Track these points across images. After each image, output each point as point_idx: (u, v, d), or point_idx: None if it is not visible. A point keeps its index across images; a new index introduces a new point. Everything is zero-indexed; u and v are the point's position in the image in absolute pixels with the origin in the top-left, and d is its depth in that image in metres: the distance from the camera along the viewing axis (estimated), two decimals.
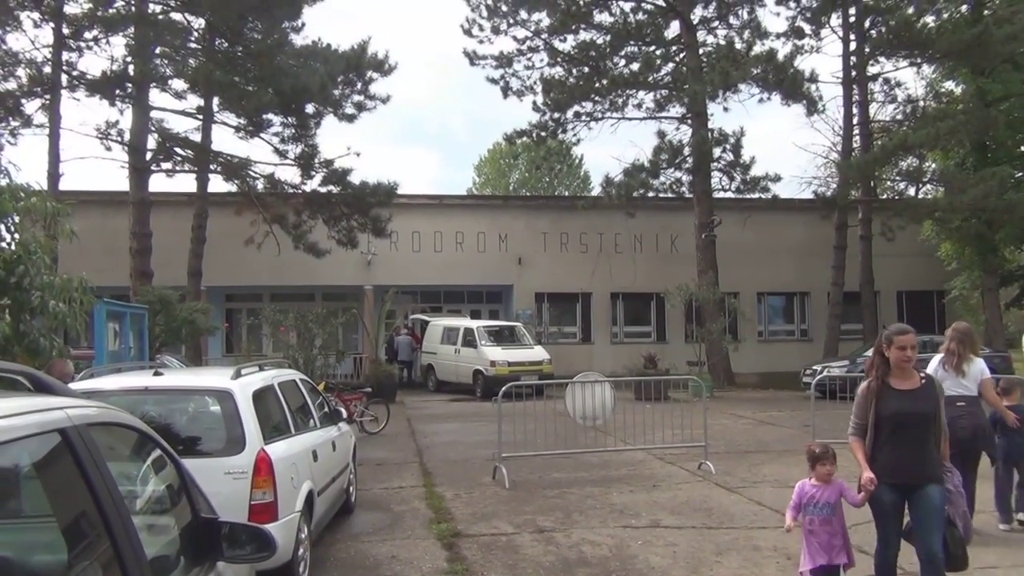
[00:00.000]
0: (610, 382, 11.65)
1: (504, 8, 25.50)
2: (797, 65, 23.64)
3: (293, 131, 22.61)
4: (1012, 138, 25.83)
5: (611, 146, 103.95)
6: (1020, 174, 25.28)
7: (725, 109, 26.90)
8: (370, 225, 22.89)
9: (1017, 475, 7.65)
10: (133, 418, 2.78)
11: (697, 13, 25.54)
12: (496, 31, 25.86)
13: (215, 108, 21.92)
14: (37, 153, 59.14)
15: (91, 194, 22.45)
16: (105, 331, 11.45)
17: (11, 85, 19.92)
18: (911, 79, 73.67)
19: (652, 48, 26.00)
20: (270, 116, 22.12)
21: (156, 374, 6.54)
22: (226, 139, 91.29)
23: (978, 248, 25.29)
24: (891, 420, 4.99)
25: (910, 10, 23.69)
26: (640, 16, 25.96)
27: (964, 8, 25.72)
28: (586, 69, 26.45)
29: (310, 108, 22.22)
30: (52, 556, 2.06)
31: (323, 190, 22.74)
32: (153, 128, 20.82)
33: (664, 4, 25.50)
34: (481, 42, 26.00)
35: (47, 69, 19.63)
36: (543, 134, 26.88)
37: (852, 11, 24.76)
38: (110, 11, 20.16)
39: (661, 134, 25.31)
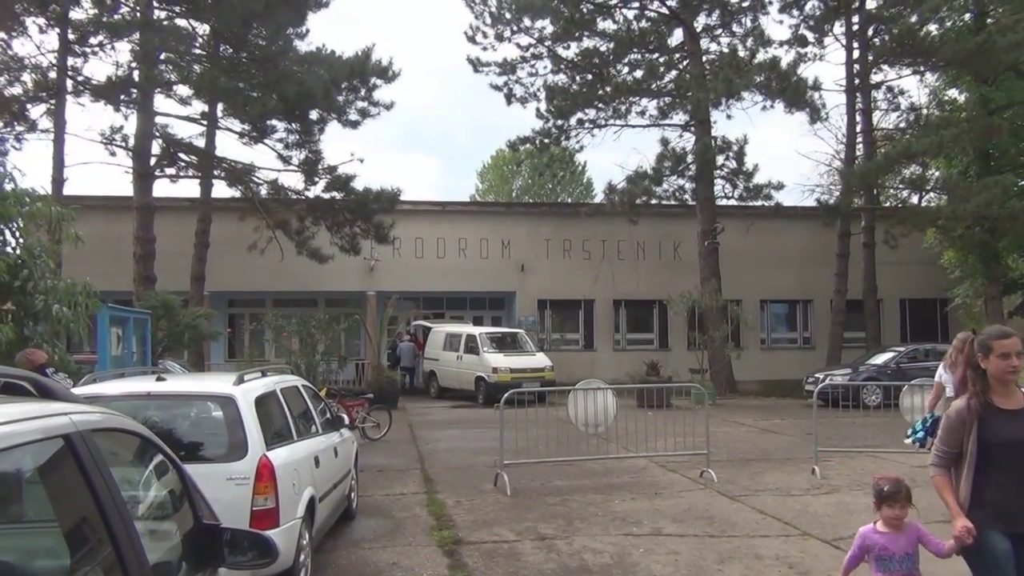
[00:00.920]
0: (612, 389, 11.63)
1: (508, 15, 25.54)
2: (800, 73, 23.71)
3: (297, 137, 22.67)
4: (1015, 146, 25.79)
5: (614, 153, 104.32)
6: (1023, 182, 25.25)
7: (728, 117, 27.04)
8: (373, 231, 22.93)
9: None
10: (136, 423, 2.78)
11: (700, 21, 25.59)
12: (500, 38, 25.92)
13: (219, 114, 21.97)
14: (42, 158, 59.30)
15: (95, 199, 22.51)
16: (108, 336, 11.47)
17: (17, 90, 20.00)
18: (914, 87, 73.90)
19: (655, 56, 26.05)
20: (274, 122, 22.17)
21: (159, 379, 6.54)
22: (230, 145, 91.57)
23: (981, 256, 25.25)
24: (1002, 449, 3.87)
25: (913, 18, 23.71)
26: (643, 24, 26.01)
27: (967, 16, 25.75)
28: (589, 76, 26.49)
29: (314, 114, 22.28)
30: (55, 561, 2.06)
31: (326, 196, 22.78)
32: (157, 133, 20.87)
33: (667, 12, 25.55)
34: (485, 49, 26.09)
35: (52, 74, 19.68)
36: (546, 141, 26.91)
37: (855, 19, 24.80)
38: (115, 17, 20.24)
39: (664, 141, 25.36)
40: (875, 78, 26.28)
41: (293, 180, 22.78)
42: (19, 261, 6.97)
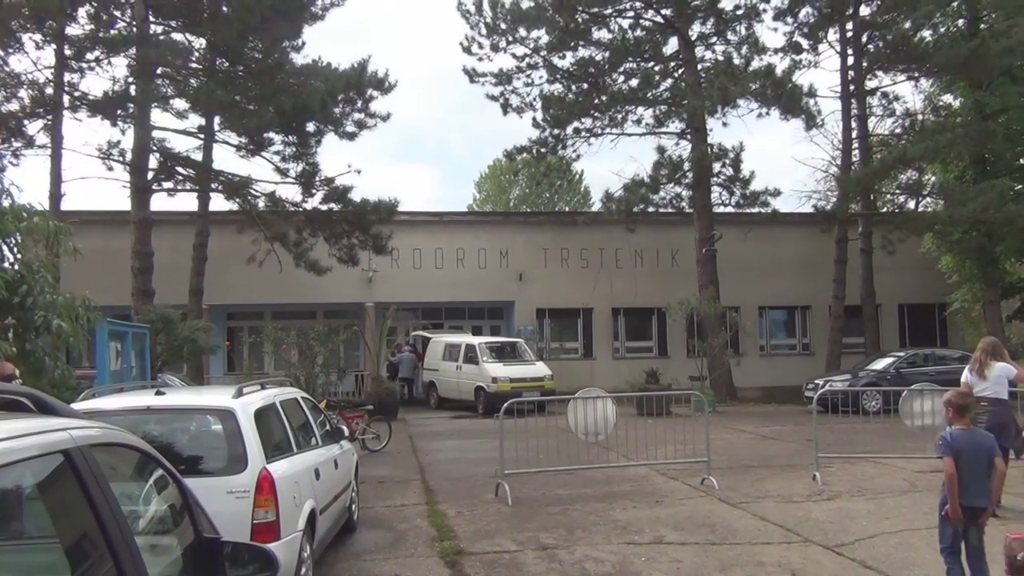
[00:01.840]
0: (612, 397, 11.62)
1: (503, 26, 25.63)
2: (795, 80, 23.73)
3: (294, 149, 22.70)
4: (1011, 150, 25.86)
5: (611, 162, 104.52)
6: (1019, 186, 25.27)
7: (724, 124, 27.00)
8: (371, 242, 22.94)
9: None
10: (135, 438, 2.78)
11: (695, 29, 25.68)
12: (495, 48, 26.00)
13: (216, 127, 22.01)
14: (39, 174, 59.31)
15: (93, 214, 22.50)
16: (107, 350, 11.47)
17: (14, 106, 20.03)
18: (909, 93, 73.93)
19: (651, 64, 26.12)
20: (271, 135, 22.21)
21: (158, 393, 6.53)
22: (227, 158, 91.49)
23: (979, 261, 25.28)
24: None
25: (907, 24, 23.78)
26: (638, 32, 26.10)
27: (961, 22, 25.86)
28: (585, 85, 26.57)
29: (311, 126, 22.34)
30: None
31: (324, 208, 22.79)
32: (155, 148, 20.90)
33: (662, 20, 25.64)
34: (480, 59, 26.17)
35: (49, 90, 19.73)
36: (543, 150, 26.97)
37: (849, 26, 24.87)
38: (112, 32, 20.32)
39: (661, 149, 25.37)
40: (870, 84, 26.37)
41: (291, 192, 22.91)
42: (18, 277, 6.97)
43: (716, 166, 24.95)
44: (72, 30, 19.96)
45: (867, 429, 13.54)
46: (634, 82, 26.02)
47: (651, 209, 25.52)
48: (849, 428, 13.69)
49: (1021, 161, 26.72)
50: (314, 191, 22.69)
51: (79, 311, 7.33)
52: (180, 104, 21.75)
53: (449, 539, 8.08)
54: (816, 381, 21.09)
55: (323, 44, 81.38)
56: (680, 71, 25.81)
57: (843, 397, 14.69)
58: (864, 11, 24.84)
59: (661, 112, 26.29)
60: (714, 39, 26.14)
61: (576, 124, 26.39)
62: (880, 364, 22.23)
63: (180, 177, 21.96)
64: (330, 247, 22.98)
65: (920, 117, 27.46)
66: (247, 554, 2.92)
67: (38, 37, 19.83)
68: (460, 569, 7.10)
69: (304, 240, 22.59)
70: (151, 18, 20.52)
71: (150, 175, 20.74)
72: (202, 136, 21.91)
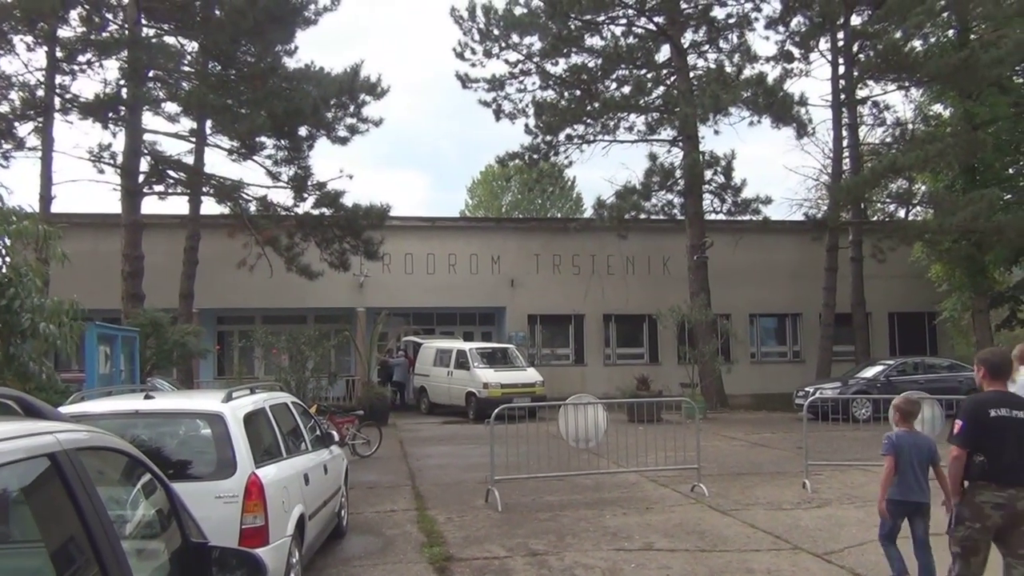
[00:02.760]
0: (603, 404, 11.62)
1: (496, 32, 25.68)
2: (787, 88, 23.83)
3: (286, 154, 22.66)
4: (1000, 160, 26.02)
5: (603, 168, 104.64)
6: (1008, 196, 25.47)
7: (716, 132, 27.19)
8: (362, 247, 22.91)
9: None
10: (123, 442, 2.76)
11: (687, 37, 25.78)
12: (488, 55, 26.04)
13: (208, 131, 21.95)
14: (29, 176, 59.07)
15: (83, 217, 22.43)
16: (96, 354, 11.40)
17: (4, 108, 19.91)
18: (899, 102, 74.54)
19: (643, 71, 26.20)
20: (263, 139, 22.13)
21: (147, 397, 6.50)
22: (219, 162, 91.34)
23: (968, 269, 25.41)
24: None
25: (897, 35, 23.92)
26: (631, 40, 26.18)
27: (951, 32, 26.03)
28: (578, 92, 26.63)
29: (303, 131, 22.29)
30: None
31: (316, 212, 22.75)
32: (146, 151, 20.84)
33: (655, 28, 25.75)
34: (473, 65, 26.20)
35: (40, 92, 19.61)
36: (535, 156, 27.03)
37: (840, 35, 24.99)
38: (103, 35, 20.26)
39: (652, 156, 25.47)
40: (861, 93, 26.50)
41: (282, 196, 22.76)
42: (6, 280, 6.93)
43: (708, 173, 25.02)
44: (64, 32, 19.88)
45: (857, 437, 13.57)
46: (626, 89, 26.11)
47: (643, 216, 25.59)
48: (839, 436, 13.74)
49: (1010, 171, 26.90)
50: (306, 195, 22.66)
51: (65, 316, 7.28)
52: (172, 107, 21.70)
53: (438, 545, 8.06)
54: (806, 388, 21.15)
55: (316, 49, 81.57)
56: (672, 79, 25.89)
57: (833, 405, 14.70)
58: (855, 20, 25.00)
59: (653, 119, 26.38)
60: (706, 47, 26.27)
61: (568, 131, 26.46)
62: (870, 372, 22.32)
63: (171, 180, 21.89)
64: (321, 252, 22.93)
65: (910, 126, 27.61)
66: (235, 559, 2.91)
67: (29, 39, 19.74)
68: (449, 575, 7.08)
69: (295, 244, 22.55)
70: (143, 21, 20.46)
71: (141, 178, 20.66)
72: (194, 140, 21.86)
